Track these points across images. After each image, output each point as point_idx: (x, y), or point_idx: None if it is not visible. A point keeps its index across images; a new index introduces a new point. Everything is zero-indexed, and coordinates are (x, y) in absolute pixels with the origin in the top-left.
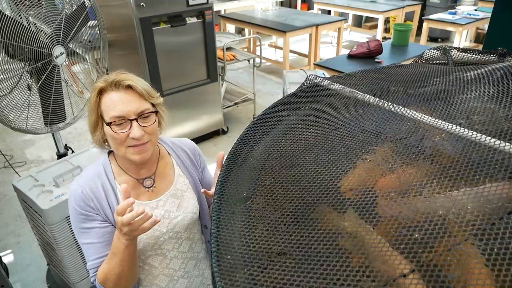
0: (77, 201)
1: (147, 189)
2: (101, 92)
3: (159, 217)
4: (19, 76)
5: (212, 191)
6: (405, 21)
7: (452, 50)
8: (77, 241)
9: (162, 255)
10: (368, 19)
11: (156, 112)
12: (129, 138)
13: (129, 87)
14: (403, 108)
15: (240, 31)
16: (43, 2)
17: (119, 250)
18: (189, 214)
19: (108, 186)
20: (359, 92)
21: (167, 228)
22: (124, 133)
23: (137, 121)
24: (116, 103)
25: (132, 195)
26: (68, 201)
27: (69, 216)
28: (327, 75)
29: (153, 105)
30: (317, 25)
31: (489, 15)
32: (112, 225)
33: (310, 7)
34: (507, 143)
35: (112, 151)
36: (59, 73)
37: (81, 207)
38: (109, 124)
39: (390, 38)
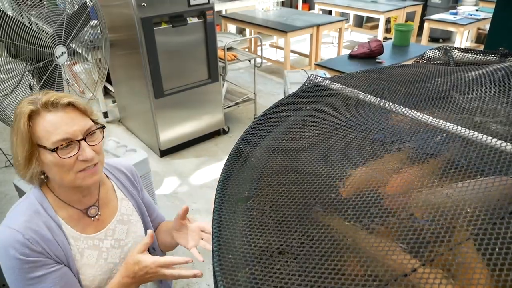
0: (20, 249)
1: (92, 218)
2: (31, 116)
3: (109, 247)
4: (20, 76)
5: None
6: (406, 21)
7: (453, 50)
8: None
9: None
10: (369, 19)
11: (103, 128)
12: (78, 162)
13: (69, 104)
14: (404, 108)
15: (241, 31)
16: (44, 2)
17: None
18: (138, 238)
19: (52, 224)
20: (360, 92)
21: (119, 258)
22: (73, 157)
23: (85, 141)
24: (58, 125)
25: (77, 229)
26: (2, 254)
27: None
28: (328, 75)
29: (94, 122)
30: (318, 25)
31: (490, 15)
32: (65, 265)
33: (311, 7)
34: (508, 143)
35: (43, 183)
36: (61, 73)
37: (26, 254)
38: (54, 150)
39: (391, 38)
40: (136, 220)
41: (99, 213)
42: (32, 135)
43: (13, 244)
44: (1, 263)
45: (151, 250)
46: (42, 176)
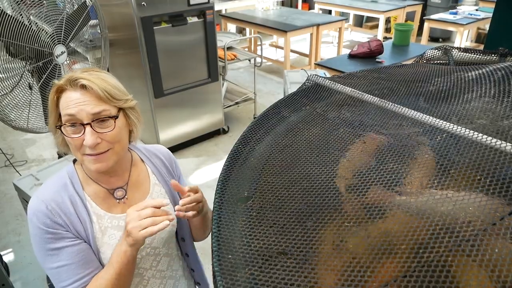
0: (42, 219)
1: (117, 200)
2: (60, 90)
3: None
4: (20, 75)
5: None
6: (406, 21)
7: (453, 50)
8: None
9: (139, 275)
10: (369, 19)
11: (115, 118)
12: (84, 145)
13: (84, 86)
14: (404, 108)
15: (241, 31)
16: (44, 1)
17: (118, 259)
18: (167, 226)
19: (76, 199)
20: (360, 92)
21: (144, 243)
22: (78, 138)
23: (91, 126)
24: (70, 103)
25: (103, 207)
26: (29, 221)
27: None
28: (328, 75)
29: (120, 109)
30: (318, 25)
31: (490, 15)
32: (85, 242)
33: (311, 7)
34: (507, 143)
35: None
36: (60, 72)
37: (47, 225)
38: (60, 126)
39: (391, 38)
40: (168, 208)
41: (126, 196)
42: (56, 108)
43: (36, 213)
44: (30, 230)
45: (180, 240)
46: (67, 147)
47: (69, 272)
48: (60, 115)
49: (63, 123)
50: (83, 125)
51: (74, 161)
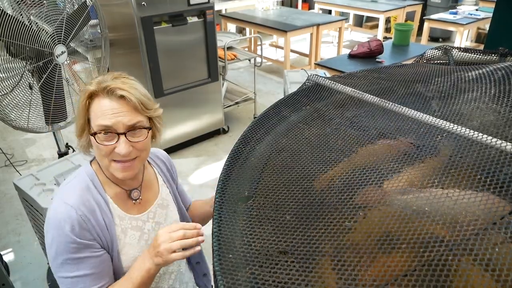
0: (72, 227)
1: (133, 201)
2: (92, 96)
3: (150, 230)
4: (20, 75)
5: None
6: (406, 21)
7: (453, 50)
8: None
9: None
10: (369, 18)
11: (149, 129)
12: (115, 152)
13: (122, 97)
14: (404, 107)
15: (241, 31)
16: (44, 1)
17: (140, 274)
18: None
19: (101, 201)
20: (360, 92)
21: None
22: (109, 146)
23: (125, 136)
24: (106, 112)
25: (123, 208)
26: (52, 228)
27: None
28: (328, 75)
29: (149, 118)
30: (318, 25)
31: (490, 15)
32: (106, 251)
33: (311, 7)
34: (508, 143)
35: (94, 160)
36: (61, 72)
37: (76, 234)
38: (93, 134)
39: (391, 38)
40: (173, 207)
41: (140, 197)
42: (86, 112)
43: (66, 220)
44: (48, 235)
45: None
46: (91, 150)
47: (86, 283)
48: (88, 120)
49: (97, 131)
50: (118, 134)
51: (91, 162)
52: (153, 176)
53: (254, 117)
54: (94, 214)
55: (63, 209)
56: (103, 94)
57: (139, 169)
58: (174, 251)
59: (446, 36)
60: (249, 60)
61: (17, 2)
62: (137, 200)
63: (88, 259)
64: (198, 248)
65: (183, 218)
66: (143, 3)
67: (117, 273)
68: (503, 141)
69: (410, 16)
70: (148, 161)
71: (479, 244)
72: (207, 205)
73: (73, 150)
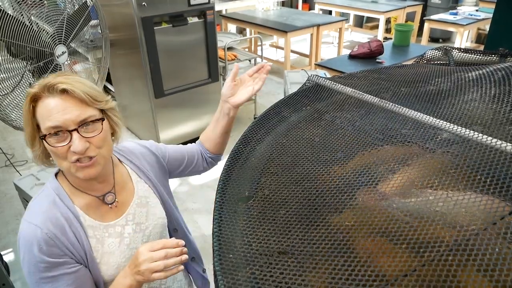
0: (39, 246)
1: (109, 205)
2: (35, 99)
3: (131, 232)
4: (21, 75)
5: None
6: (406, 21)
7: (453, 50)
8: None
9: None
10: (369, 19)
11: (102, 120)
12: (71, 152)
13: (64, 91)
14: (405, 108)
15: (241, 31)
16: (45, 2)
17: None
18: (159, 220)
19: (69, 215)
20: (360, 92)
21: (141, 242)
22: (64, 147)
23: (78, 132)
24: (51, 112)
25: (96, 217)
26: (22, 249)
27: None
28: (329, 75)
29: (102, 111)
30: (318, 25)
31: (491, 15)
32: (83, 265)
33: (311, 7)
34: (508, 143)
35: (59, 170)
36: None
37: (44, 252)
38: (42, 137)
39: (391, 38)
40: (154, 202)
41: (116, 199)
42: (33, 118)
43: (32, 240)
44: (20, 255)
45: (173, 232)
46: (50, 159)
47: None
48: (37, 126)
49: (46, 134)
50: (70, 131)
51: (56, 175)
52: (125, 175)
53: (254, 118)
54: (62, 230)
55: (29, 229)
56: (46, 94)
57: (102, 166)
58: (156, 271)
59: (446, 37)
60: (250, 60)
61: (18, 2)
62: (112, 203)
63: (63, 276)
64: (181, 267)
65: (167, 211)
66: (143, 4)
67: (99, 283)
68: (503, 142)
69: (410, 17)
70: (119, 159)
71: (479, 244)
72: (219, 123)
73: None
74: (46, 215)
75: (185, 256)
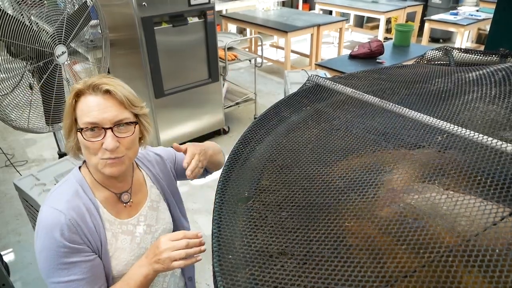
0: (62, 232)
1: (124, 204)
2: (78, 95)
3: (142, 233)
4: (21, 75)
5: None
6: (406, 21)
7: (453, 50)
8: None
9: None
10: (370, 19)
11: (136, 123)
12: (102, 149)
13: (107, 92)
14: (405, 108)
15: (241, 31)
16: (45, 2)
17: (136, 280)
18: (167, 225)
19: (90, 206)
20: (360, 93)
21: (151, 243)
22: (97, 142)
23: (112, 131)
24: (92, 108)
25: (113, 213)
26: (42, 234)
27: None
28: (329, 75)
29: (135, 115)
30: (318, 25)
31: (491, 15)
32: (98, 256)
33: (311, 7)
34: (508, 144)
35: (83, 164)
36: (61, 72)
37: (66, 238)
38: (80, 130)
39: (391, 38)
40: (163, 207)
41: (131, 200)
42: (73, 111)
43: (55, 225)
44: (38, 240)
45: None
46: (80, 152)
47: None
48: (76, 119)
49: (83, 128)
50: (105, 129)
51: (79, 168)
52: (141, 179)
53: (255, 118)
54: (83, 218)
55: (52, 214)
56: (89, 91)
57: (127, 166)
58: (176, 260)
59: (447, 37)
60: (250, 60)
61: (18, 2)
62: (127, 203)
63: (80, 263)
64: (199, 257)
65: (173, 218)
66: (143, 4)
67: (108, 277)
68: (503, 142)
69: (410, 17)
70: (137, 164)
71: (479, 245)
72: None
73: None
74: (69, 204)
75: (204, 247)
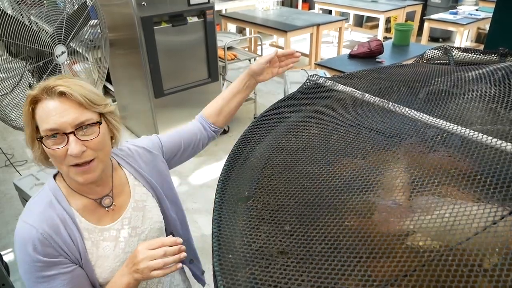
0: (34, 246)
1: (106, 209)
2: (35, 101)
3: (127, 236)
4: (20, 75)
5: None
6: (406, 21)
7: (453, 50)
8: None
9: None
10: (369, 19)
11: (100, 123)
12: (68, 155)
13: (62, 94)
14: (404, 108)
15: (241, 31)
16: (44, 1)
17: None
18: (155, 224)
19: (65, 216)
20: (360, 92)
21: (137, 246)
22: (61, 149)
23: (74, 135)
24: (49, 114)
25: (92, 220)
26: (17, 248)
27: None
28: (328, 75)
29: (100, 115)
30: (318, 25)
31: (490, 15)
32: (79, 265)
33: (311, 7)
34: (508, 143)
35: (58, 172)
36: (61, 72)
37: (39, 252)
38: (40, 139)
39: (391, 38)
40: (151, 205)
41: (113, 203)
42: (32, 119)
43: (27, 240)
44: (17, 255)
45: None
46: (49, 160)
47: None
48: (37, 127)
49: (43, 135)
50: (66, 134)
51: (54, 176)
52: (124, 178)
53: (254, 117)
54: (57, 230)
55: (23, 229)
56: (44, 96)
57: (101, 170)
58: (155, 269)
59: (446, 36)
60: (249, 60)
61: (17, 2)
62: (109, 207)
63: (59, 276)
64: (179, 265)
65: (165, 216)
66: (143, 3)
67: (95, 285)
68: (503, 141)
69: (410, 16)
70: (118, 163)
71: (479, 244)
72: (239, 95)
73: None
74: (42, 216)
75: (183, 254)
